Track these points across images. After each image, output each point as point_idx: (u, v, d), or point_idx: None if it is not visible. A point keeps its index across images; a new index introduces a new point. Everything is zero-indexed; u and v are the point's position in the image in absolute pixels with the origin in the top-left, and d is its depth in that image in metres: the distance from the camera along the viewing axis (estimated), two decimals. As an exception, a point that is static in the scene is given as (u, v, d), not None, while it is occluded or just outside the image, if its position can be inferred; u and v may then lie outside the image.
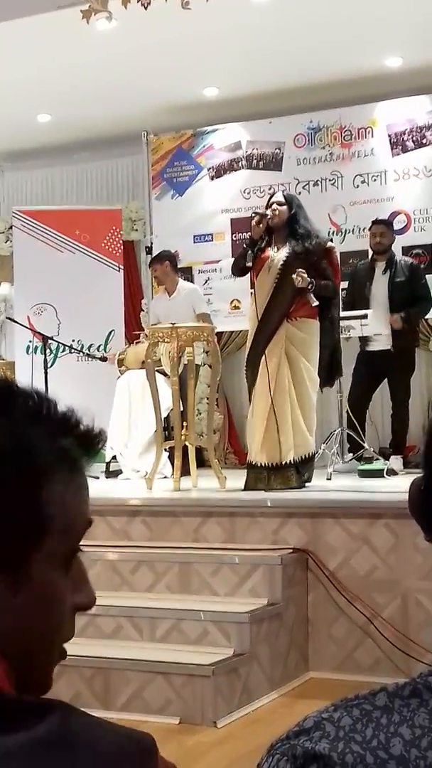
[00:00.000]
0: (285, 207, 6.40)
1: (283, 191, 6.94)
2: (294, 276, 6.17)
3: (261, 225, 6.33)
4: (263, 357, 6.20)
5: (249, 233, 6.50)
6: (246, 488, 6.20)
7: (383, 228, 7.86)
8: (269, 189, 8.78)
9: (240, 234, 8.91)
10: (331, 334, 6.56)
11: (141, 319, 9.39)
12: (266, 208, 6.45)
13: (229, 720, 4.60)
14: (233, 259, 6.52)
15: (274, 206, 6.39)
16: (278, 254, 6.34)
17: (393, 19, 7.49)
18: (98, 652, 4.91)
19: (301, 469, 6.25)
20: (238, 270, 6.51)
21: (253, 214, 6.45)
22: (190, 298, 8.01)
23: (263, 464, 6.19)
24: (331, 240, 6.82)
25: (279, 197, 6.50)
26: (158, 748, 0.91)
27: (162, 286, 8.22)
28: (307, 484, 6.26)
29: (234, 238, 9.09)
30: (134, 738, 0.90)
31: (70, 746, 0.86)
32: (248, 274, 6.53)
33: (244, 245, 6.44)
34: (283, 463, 6.18)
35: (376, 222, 7.95)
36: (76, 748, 0.86)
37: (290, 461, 6.19)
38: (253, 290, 6.47)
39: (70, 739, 0.86)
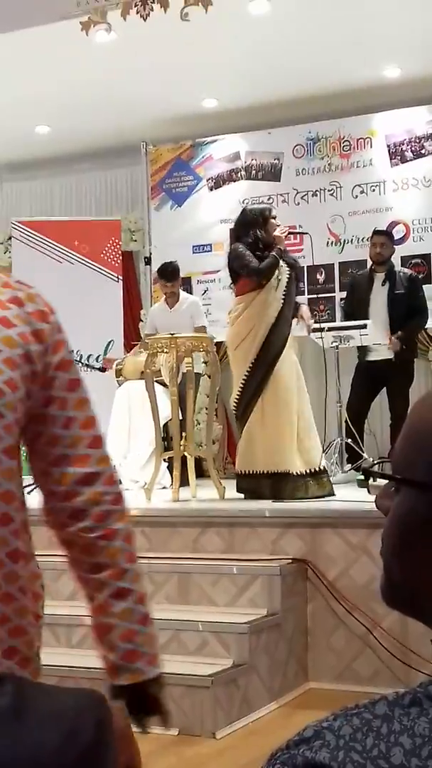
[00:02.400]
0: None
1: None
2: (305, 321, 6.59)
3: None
4: (276, 366, 6.23)
5: (276, 245, 6.43)
6: (285, 498, 6.09)
7: (384, 239, 7.86)
8: (268, 199, 8.81)
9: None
10: None
11: (140, 330, 9.40)
12: (268, 219, 6.48)
13: (229, 731, 4.59)
14: (263, 265, 6.28)
15: (277, 220, 6.52)
16: (283, 269, 6.39)
17: (391, 30, 7.52)
18: (96, 663, 4.89)
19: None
20: (268, 279, 6.38)
21: (286, 228, 6.52)
22: (190, 310, 8.02)
23: (302, 472, 6.19)
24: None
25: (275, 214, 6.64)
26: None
27: (167, 298, 8.18)
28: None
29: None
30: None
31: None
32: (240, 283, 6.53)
33: (275, 255, 6.38)
34: (320, 467, 6.26)
35: (376, 232, 7.95)
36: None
37: (323, 466, 6.29)
38: (246, 298, 6.40)
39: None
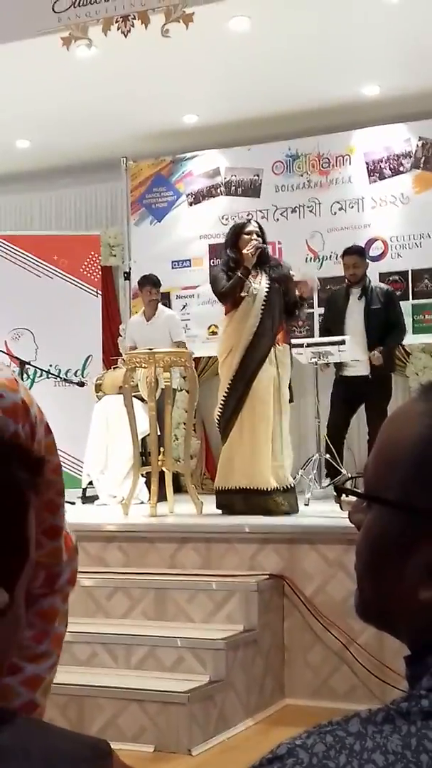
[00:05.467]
0: (260, 237, 6.53)
1: (255, 220, 7.01)
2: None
3: (254, 255, 6.42)
4: (254, 381, 6.25)
5: (241, 263, 6.43)
6: (257, 514, 6.14)
7: (356, 259, 7.74)
8: (247, 215, 8.82)
9: (219, 260, 8.94)
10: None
11: (119, 345, 9.39)
12: (240, 235, 6.49)
13: (205, 748, 4.57)
14: (223, 287, 6.40)
15: (254, 236, 6.48)
16: (260, 283, 6.43)
17: (370, 47, 7.56)
18: (73, 680, 4.87)
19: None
20: (232, 299, 6.44)
21: (254, 245, 6.45)
22: (168, 324, 8.04)
23: (276, 488, 6.23)
24: (290, 268, 6.86)
25: (256, 227, 6.60)
26: (113, 751, 0.92)
27: (146, 308, 8.23)
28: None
29: (212, 264, 9.11)
30: (88, 743, 0.91)
31: (26, 755, 0.86)
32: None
33: (239, 274, 6.39)
34: (290, 485, 6.32)
35: (348, 252, 7.84)
36: (32, 757, 0.86)
37: (292, 483, 6.36)
38: (230, 316, 6.47)
39: (26, 748, 0.87)
